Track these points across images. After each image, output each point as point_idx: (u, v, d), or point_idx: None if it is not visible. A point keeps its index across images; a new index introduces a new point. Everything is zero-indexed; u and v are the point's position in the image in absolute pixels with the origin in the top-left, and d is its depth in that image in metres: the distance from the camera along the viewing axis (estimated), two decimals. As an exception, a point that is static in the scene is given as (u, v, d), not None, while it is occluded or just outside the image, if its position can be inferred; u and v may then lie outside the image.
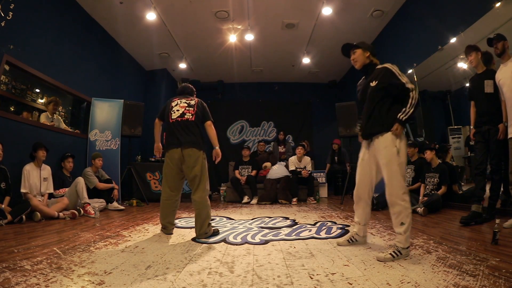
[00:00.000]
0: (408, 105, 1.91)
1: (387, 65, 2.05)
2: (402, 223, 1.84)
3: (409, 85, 1.93)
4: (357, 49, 2.16)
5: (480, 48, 2.87)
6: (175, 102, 2.67)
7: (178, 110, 2.60)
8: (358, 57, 2.16)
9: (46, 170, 3.64)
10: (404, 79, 1.95)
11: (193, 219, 3.33)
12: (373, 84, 2.05)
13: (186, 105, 2.63)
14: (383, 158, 1.94)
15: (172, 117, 2.58)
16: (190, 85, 2.92)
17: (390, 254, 1.78)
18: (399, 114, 1.92)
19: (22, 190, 3.32)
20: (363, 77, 2.23)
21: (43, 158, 3.55)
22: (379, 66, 2.11)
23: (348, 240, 2.17)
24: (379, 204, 3.85)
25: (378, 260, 1.76)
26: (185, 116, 2.57)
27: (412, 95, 1.91)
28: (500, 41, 2.59)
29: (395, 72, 1.99)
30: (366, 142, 2.12)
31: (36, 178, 3.49)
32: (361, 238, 2.17)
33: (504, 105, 2.69)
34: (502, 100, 2.69)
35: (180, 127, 2.54)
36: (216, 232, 2.60)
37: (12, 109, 4.49)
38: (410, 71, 4.80)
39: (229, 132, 8.29)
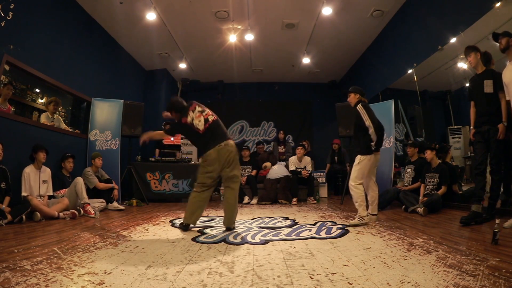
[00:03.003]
0: (373, 140, 2.92)
1: (358, 106, 3.04)
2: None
3: (369, 126, 2.90)
4: (350, 93, 3.17)
5: (480, 48, 2.87)
6: (190, 118, 2.77)
7: (200, 121, 2.75)
8: (351, 100, 3.17)
9: (46, 173, 3.62)
10: (366, 122, 2.91)
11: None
12: (355, 120, 3.08)
13: (199, 113, 2.79)
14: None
15: (201, 128, 2.74)
16: (175, 101, 2.94)
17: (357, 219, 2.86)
18: (372, 144, 2.93)
19: (23, 194, 3.30)
20: None
21: (43, 160, 3.53)
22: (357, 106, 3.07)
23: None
24: (379, 204, 3.85)
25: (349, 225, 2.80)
26: (210, 119, 2.79)
27: (371, 132, 2.91)
28: (505, 37, 2.59)
29: (361, 114, 2.98)
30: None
31: (36, 181, 3.47)
32: (372, 216, 3.08)
33: (504, 104, 2.69)
34: (503, 99, 2.69)
35: (214, 127, 2.77)
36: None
37: (13, 109, 4.48)
38: (410, 71, 4.81)
39: (229, 132, 8.28)
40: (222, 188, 5.91)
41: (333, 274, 1.55)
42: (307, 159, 5.64)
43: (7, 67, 3.59)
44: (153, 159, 5.63)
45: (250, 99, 8.46)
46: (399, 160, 5.15)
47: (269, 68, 7.54)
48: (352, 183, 3.00)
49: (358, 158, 3.02)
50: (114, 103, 5.12)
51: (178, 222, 3.18)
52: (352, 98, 3.15)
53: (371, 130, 2.89)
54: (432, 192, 3.74)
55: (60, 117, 4.63)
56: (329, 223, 3.03)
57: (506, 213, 2.79)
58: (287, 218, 3.40)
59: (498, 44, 2.65)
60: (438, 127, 4.85)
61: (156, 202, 5.13)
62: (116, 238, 2.40)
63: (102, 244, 2.20)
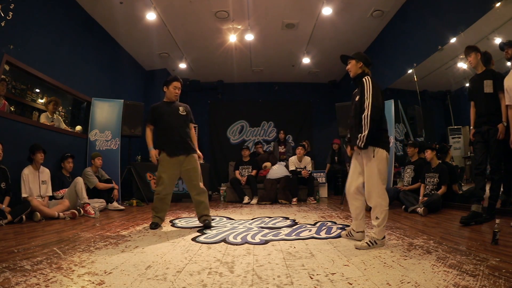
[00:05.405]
0: (362, 131, 2.04)
1: (364, 78, 2.14)
2: (376, 217, 2.08)
3: (366, 107, 2.03)
4: (352, 60, 2.27)
5: (480, 48, 2.87)
6: None
7: None
8: (352, 67, 2.27)
9: (45, 173, 3.61)
10: (368, 100, 2.04)
11: (194, 219, 3.35)
12: (356, 99, 2.18)
13: None
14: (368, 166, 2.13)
15: None
16: None
17: (366, 243, 2.05)
18: (358, 141, 2.07)
19: (23, 195, 3.29)
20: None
21: (41, 161, 3.51)
22: (363, 78, 2.16)
23: (346, 235, 2.39)
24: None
25: (356, 248, 2.03)
26: None
27: (364, 119, 2.03)
28: (511, 47, 2.63)
29: (366, 88, 2.08)
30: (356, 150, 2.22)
31: (35, 182, 3.46)
32: (356, 233, 2.31)
33: (504, 105, 2.69)
34: (503, 99, 2.69)
35: None
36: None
37: (12, 109, 4.49)
38: (410, 71, 4.81)
39: (229, 132, 8.29)
40: (222, 188, 5.93)
41: (333, 274, 1.55)
42: (307, 159, 5.64)
43: (7, 67, 3.59)
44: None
45: (250, 99, 8.46)
46: (399, 160, 5.16)
47: (269, 68, 7.54)
48: (381, 187, 2.07)
49: (373, 151, 2.07)
50: (114, 103, 5.12)
51: (178, 222, 3.19)
52: (353, 66, 2.24)
53: (366, 113, 2.02)
54: (432, 192, 3.74)
55: (60, 117, 4.63)
56: (329, 223, 3.03)
57: (506, 213, 2.80)
58: (287, 218, 3.40)
59: (504, 53, 2.69)
60: (438, 127, 4.85)
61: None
62: (116, 238, 2.40)
63: (102, 244, 2.20)
